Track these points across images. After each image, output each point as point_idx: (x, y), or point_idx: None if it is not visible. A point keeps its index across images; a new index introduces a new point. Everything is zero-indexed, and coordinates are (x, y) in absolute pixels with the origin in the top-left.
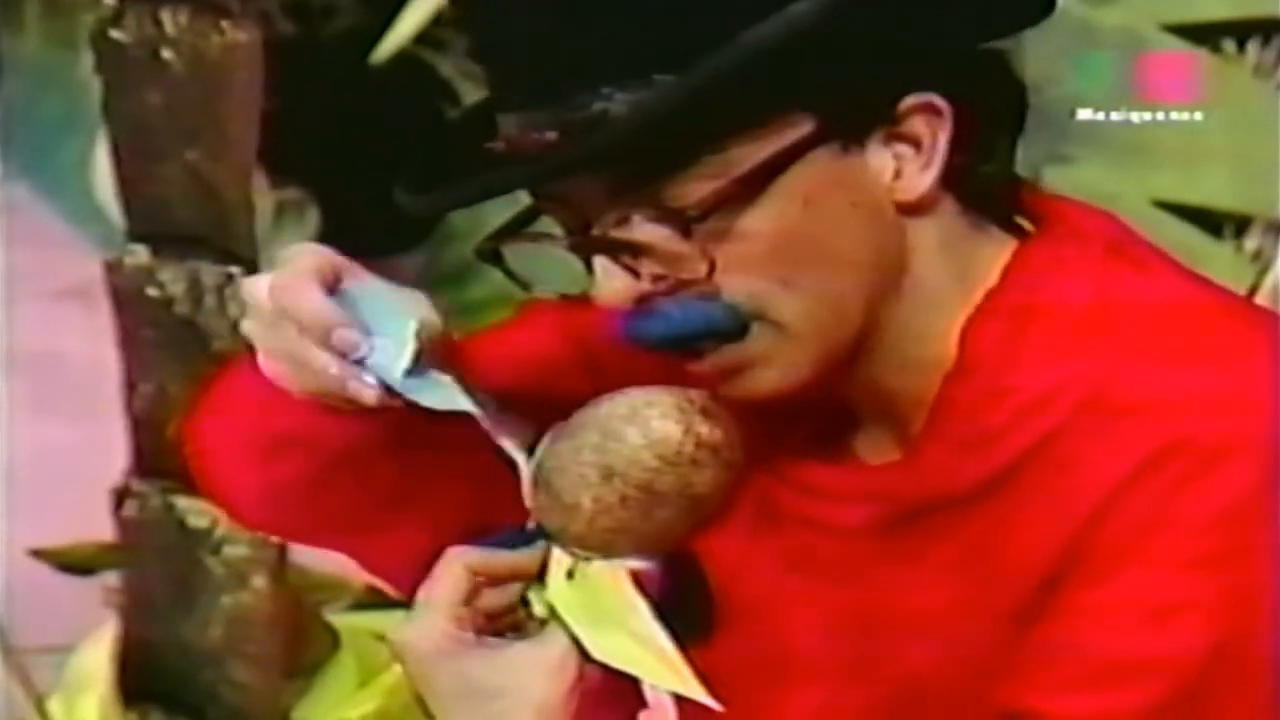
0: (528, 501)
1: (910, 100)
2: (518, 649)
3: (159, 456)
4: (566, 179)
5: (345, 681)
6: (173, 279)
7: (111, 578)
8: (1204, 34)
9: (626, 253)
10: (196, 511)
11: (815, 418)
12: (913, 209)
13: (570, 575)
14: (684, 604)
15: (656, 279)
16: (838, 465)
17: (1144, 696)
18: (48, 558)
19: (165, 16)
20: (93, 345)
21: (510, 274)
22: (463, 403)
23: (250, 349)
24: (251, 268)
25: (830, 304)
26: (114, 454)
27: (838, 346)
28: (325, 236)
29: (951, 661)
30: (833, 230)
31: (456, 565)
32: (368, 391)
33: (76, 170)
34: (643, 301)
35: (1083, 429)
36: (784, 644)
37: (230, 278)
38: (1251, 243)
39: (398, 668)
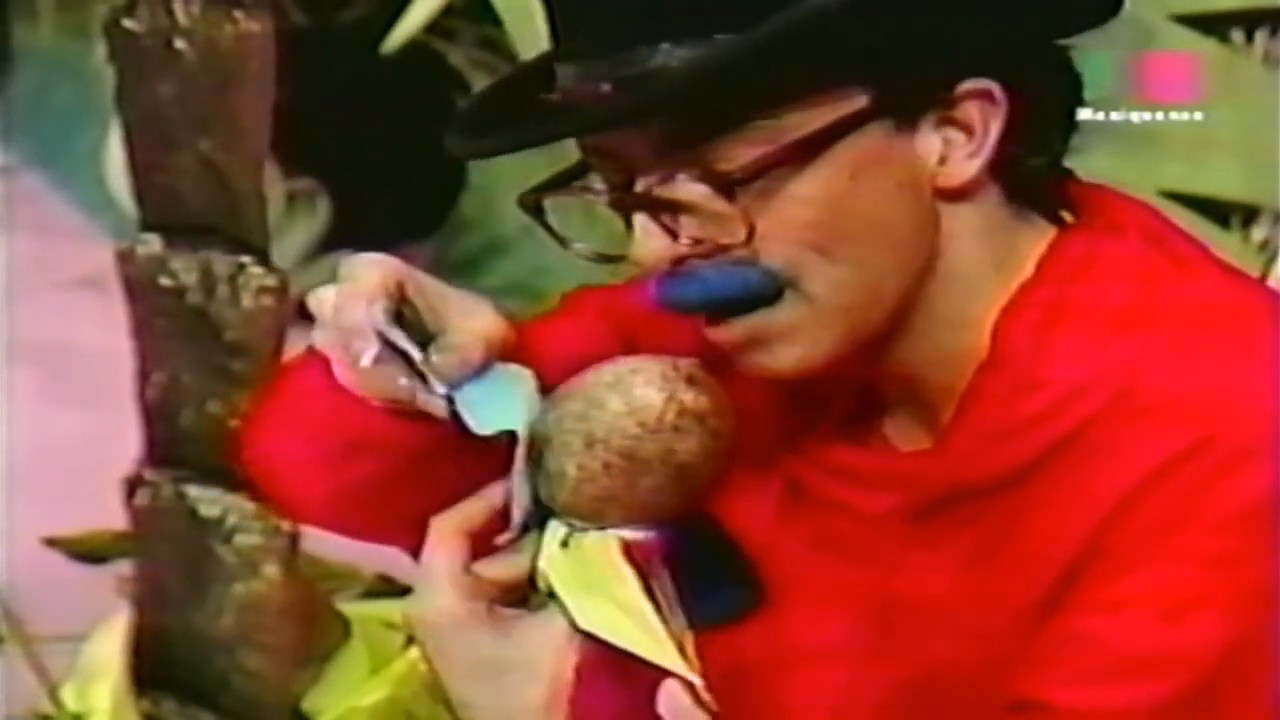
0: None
1: (967, 85)
2: (527, 622)
3: (171, 446)
4: (615, 132)
5: (356, 669)
6: (185, 268)
7: (124, 566)
8: (1212, 24)
9: (667, 212)
10: (208, 501)
11: (847, 402)
12: (953, 195)
13: (565, 545)
14: (702, 579)
15: (695, 242)
16: (867, 450)
17: (1156, 692)
18: (61, 546)
19: (178, 6)
20: (106, 334)
21: (550, 229)
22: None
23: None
24: (263, 257)
25: (865, 281)
26: (127, 443)
27: (865, 327)
28: (336, 226)
29: (971, 650)
30: (876, 207)
31: (447, 529)
32: (436, 403)
33: (90, 160)
34: (678, 264)
35: (1111, 424)
36: (807, 627)
37: (242, 267)
38: (1259, 233)
39: (409, 655)
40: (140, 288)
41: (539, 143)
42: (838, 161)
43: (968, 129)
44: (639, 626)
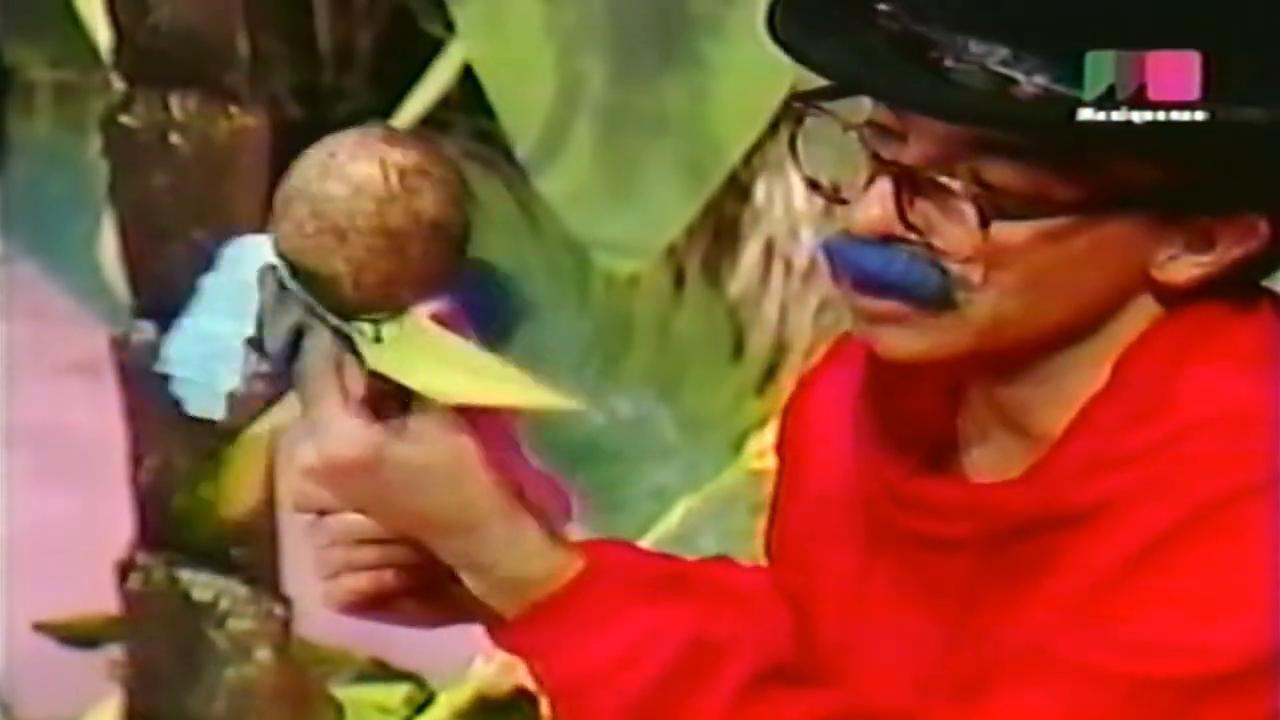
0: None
1: (1241, 216)
2: (418, 420)
3: (164, 529)
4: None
5: None
6: None
7: (116, 650)
8: None
9: (913, 193)
10: (201, 585)
11: (929, 442)
12: (1157, 287)
13: (378, 340)
14: (501, 316)
15: (915, 231)
16: (945, 482)
17: (1175, 672)
18: (52, 631)
19: (174, 102)
20: (99, 418)
21: (794, 147)
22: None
23: None
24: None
25: (1023, 324)
26: (119, 527)
27: (995, 352)
28: None
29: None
30: (1083, 276)
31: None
32: None
33: (83, 247)
34: (882, 239)
35: (1212, 442)
36: (878, 664)
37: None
38: None
39: None
40: (133, 373)
41: (912, 107)
42: (1089, 230)
43: (1212, 245)
44: (495, 377)
